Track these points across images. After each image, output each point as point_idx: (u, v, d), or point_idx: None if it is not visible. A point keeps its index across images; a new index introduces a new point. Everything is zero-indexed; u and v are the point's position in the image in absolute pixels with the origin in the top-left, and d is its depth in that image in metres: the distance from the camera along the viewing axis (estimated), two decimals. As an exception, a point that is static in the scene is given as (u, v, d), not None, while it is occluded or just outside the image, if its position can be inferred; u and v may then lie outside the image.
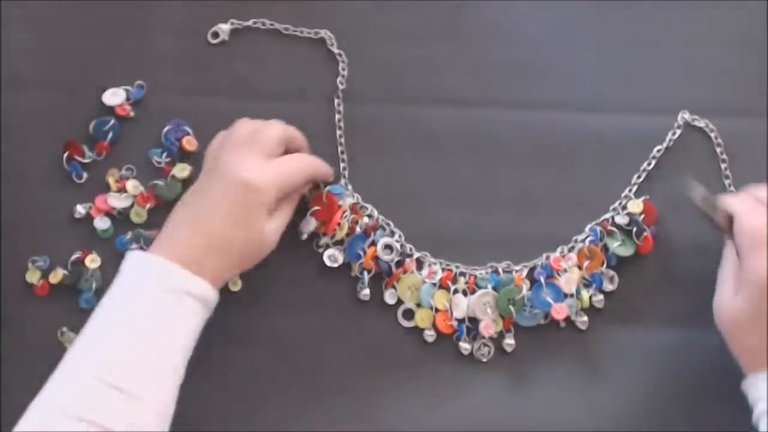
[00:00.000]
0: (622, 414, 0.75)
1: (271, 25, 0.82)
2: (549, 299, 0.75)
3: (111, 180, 0.79)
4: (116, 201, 0.78)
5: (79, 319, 0.72)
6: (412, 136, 0.81)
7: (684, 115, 0.80)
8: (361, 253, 0.77)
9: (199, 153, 0.79)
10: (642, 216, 0.77)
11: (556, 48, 0.82)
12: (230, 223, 0.69)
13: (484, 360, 0.76)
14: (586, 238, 0.78)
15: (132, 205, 0.79)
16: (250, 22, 0.82)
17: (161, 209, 0.77)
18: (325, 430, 0.75)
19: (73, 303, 0.76)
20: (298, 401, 0.76)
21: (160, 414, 0.64)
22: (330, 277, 0.77)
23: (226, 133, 0.75)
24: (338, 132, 0.80)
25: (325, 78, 0.82)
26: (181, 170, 0.78)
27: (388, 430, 0.75)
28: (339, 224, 0.77)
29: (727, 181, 0.79)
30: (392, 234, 0.78)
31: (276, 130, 0.74)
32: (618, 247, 0.77)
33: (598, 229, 0.77)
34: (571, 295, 0.76)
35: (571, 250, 0.77)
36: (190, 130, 0.80)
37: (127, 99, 0.80)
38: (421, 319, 0.77)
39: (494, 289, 0.76)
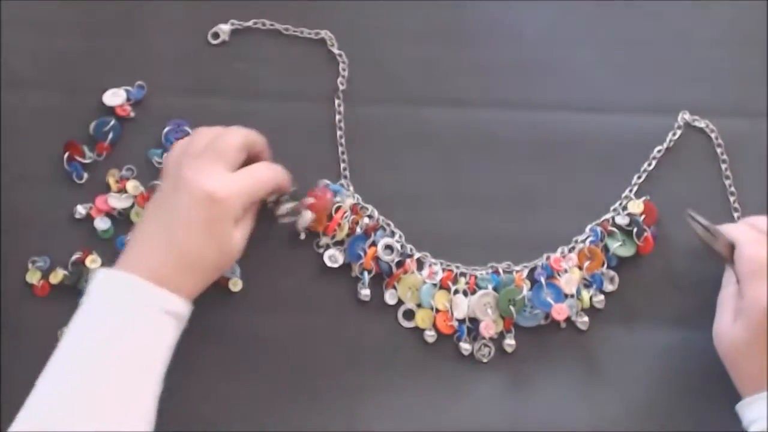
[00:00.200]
0: (622, 414, 0.75)
1: (271, 25, 0.82)
2: (549, 300, 0.75)
3: (111, 180, 0.79)
4: (116, 201, 0.78)
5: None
6: (412, 136, 0.81)
7: (684, 116, 0.80)
8: (362, 254, 0.77)
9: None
10: (642, 216, 0.77)
11: (556, 48, 0.82)
12: (199, 237, 0.68)
13: (485, 360, 0.76)
14: (586, 238, 0.78)
15: (132, 206, 0.79)
16: (250, 23, 0.82)
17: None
18: (324, 430, 0.75)
19: (74, 303, 0.75)
20: (298, 401, 0.76)
21: (145, 423, 0.65)
22: (330, 278, 0.77)
23: (184, 142, 0.74)
24: (338, 132, 0.80)
25: (325, 78, 0.82)
26: None
27: (388, 430, 0.75)
28: (339, 224, 0.77)
29: (727, 182, 0.79)
30: (393, 234, 0.78)
31: (235, 137, 0.72)
32: (618, 247, 0.77)
33: (599, 229, 0.77)
34: (572, 296, 0.76)
35: (571, 250, 0.78)
36: (190, 130, 0.80)
37: (128, 99, 0.80)
38: (422, 319, 0.77)
39: (495, 289, 0.76)
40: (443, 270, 0.77)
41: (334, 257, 0.77)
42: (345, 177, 0.79)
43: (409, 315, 0.77)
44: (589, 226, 0.78)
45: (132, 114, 0.80)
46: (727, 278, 0.73)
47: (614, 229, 0.77)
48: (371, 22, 0.82)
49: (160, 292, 0.66)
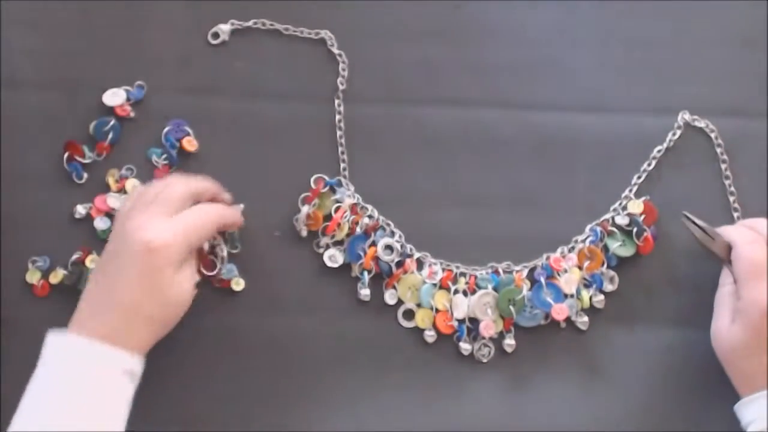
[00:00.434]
0: (622, 414, 0.75)
1: (271, 25, 0.82)
2: (549, 300, 0.75)
3: (111, 180, 0.79)
4: (116, 201, 0.78)
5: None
6: (412, 136, 0.81)
7: (684, 116, 0.80)
8: (362, 254, 0.77)
9: (199, 153, 0.79)
10: (642, 216, 0.77)
11: (556, 48, 0.82)
12: (143, 291, 0.67)
13: (485, 360, 0.76)
14: (586, 238, 0.78)
15: (132, 206, 0.79)
16: (250, 23, 0.82)
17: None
18: (324, 430, 0.75)
19: (73, 303, 0.76)
20: (298, 401, 0.76)
21: None
22: (330, 278, 0.77)
23: (133, 197, 0.73)
24: (338, 132, 0.80)
25: (325, 78, 0.82)
26: None
27: (388, 430, 0.75)
28: (339, 224, 0.77)
29: (727, 182, 0.79)
30: (392, 234, 0.78)
31: (178, 187, 0.71)
32: (618, 247, 0.77)
33: (599, 229, 0.77)
34: (572, 296, 0.76)
35: (571, 250, 0.77)
36: (190, 130, 0.80)
37: (127, 99, 0.80)
38: (422, 319, 0.77)
39: (494, 289, 0.76)
40: (443, 270, 0.77)
41: (334, 257, 0.77)
42: (345, 177, 0.79)
43: (409, 315, 0.77)
44: (588, 226, 0.78)
45: (132, 114, 0.80)
46: (723, 278, 0.73)
47: (614, 229, 0.77)
48: (371, 22, 0.82)
49: (111, 351, 0.66)
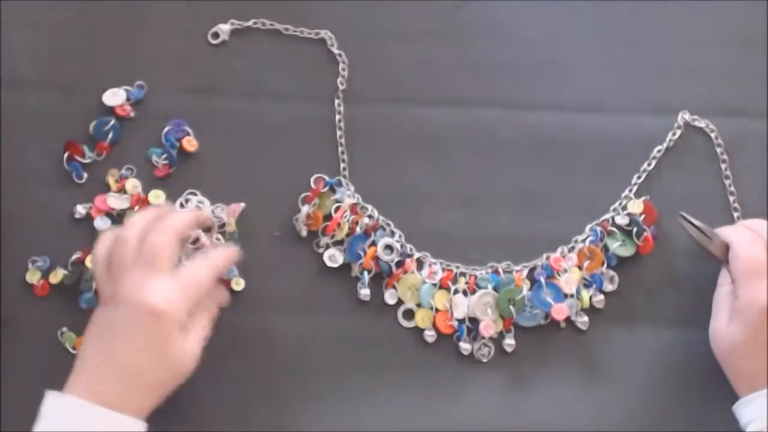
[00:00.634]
0: (622, 414, 0.75)
1: (271, 25, 0.82)
2: (549, 299, 0.75)
3: (111, 180, 0.79)
4: (116, 201, 0.78)
5: (79, 319, 0.72)
6: (412, 136, 0.81)
7: (684, 115, 0.80)
8: (362, 254, 0.77)
9: (199, 153, 0.79)
10: (642, 216, 0.77)
11: (556, 48, 0.82)
12: (148, 356, 0.65)
13: (485, 360, 0.76)
14: (586, 238, 0.78)
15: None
16: (250, 22, 0.82)
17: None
18: (324, 430, 0.75)
19: (73, 303, 0.76)
20: (298, 401, 0.76)
21: None
22: (330, 277, 0.77)
23: (105, 251, 0.68)
24: (338, 132, 0.80)
25: (325, 78, 0.82)
26: (155, 197, 0.78)
27: (387, 430, 0.75)
28: (339, 224, 0.77)
29: (727, 181, 0.79)
30: (392, 234, 0.78)
31: (162, 237, 0.67)
32: (618, 247, 0.77)
33: (599, 229, 0.77)
34: (572, 296, 0.76)
35: (571, 250, 0.77)
36: (190, 130, 0.80)
37: (127, 99, 0.80)
38: (422, 319, 0.77)
39: (494, 289, 0.76)
40: (443, 270, 0.77)
41: (334, 257, 0.77)
42: (345, 177, 0.79)
43: (409, 315, 0.77)
44: (588, 226, 0.78)
45: (132, 114, 0.80)
46: (721, 278, 0.73)
47: (614, 228, 0.77)
48: (371, 22, 0.83)
49: (111, 415, 0.63)
